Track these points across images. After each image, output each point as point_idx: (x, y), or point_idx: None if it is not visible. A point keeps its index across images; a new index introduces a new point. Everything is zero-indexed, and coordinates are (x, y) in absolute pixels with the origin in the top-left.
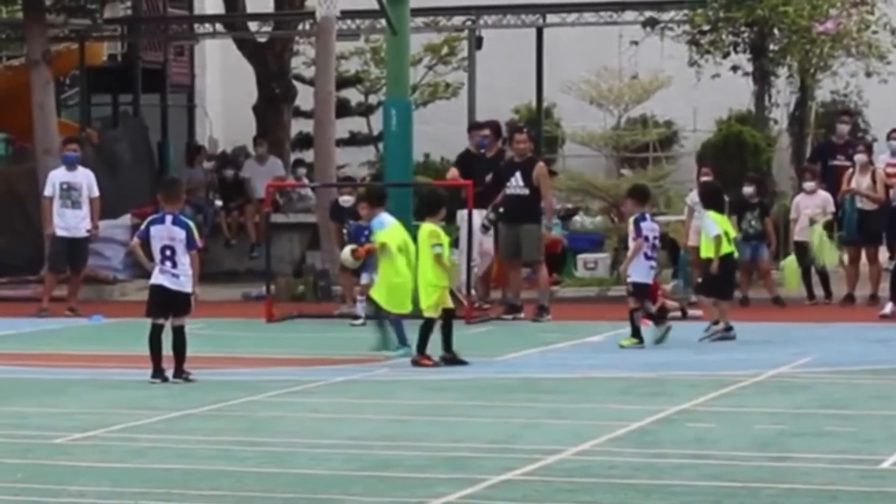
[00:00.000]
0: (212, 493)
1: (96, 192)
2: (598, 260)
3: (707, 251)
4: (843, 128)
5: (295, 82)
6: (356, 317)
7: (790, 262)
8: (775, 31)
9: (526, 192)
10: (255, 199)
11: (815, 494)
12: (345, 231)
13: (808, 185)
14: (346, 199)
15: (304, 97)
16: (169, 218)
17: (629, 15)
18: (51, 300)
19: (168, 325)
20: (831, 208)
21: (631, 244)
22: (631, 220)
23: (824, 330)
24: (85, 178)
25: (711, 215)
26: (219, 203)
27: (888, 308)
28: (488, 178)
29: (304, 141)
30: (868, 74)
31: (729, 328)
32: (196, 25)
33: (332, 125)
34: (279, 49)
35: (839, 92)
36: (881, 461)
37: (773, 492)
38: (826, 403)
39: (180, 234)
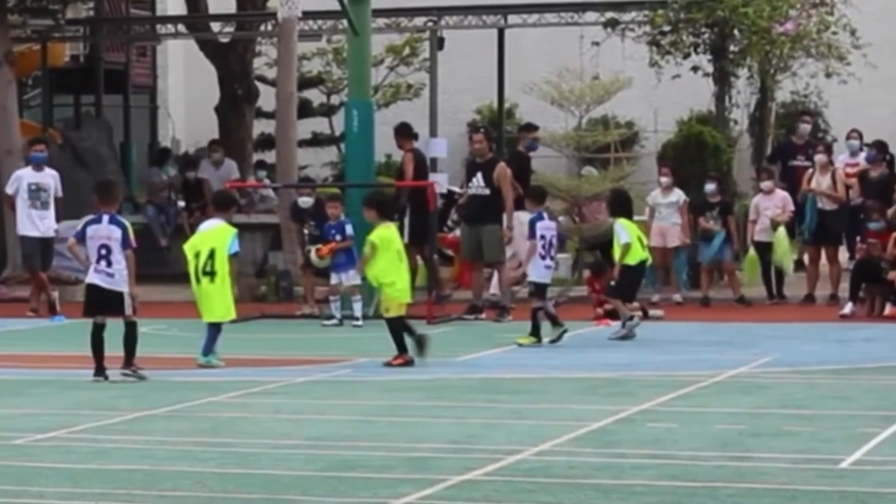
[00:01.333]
0: (173, 494)
1: (59, 193)
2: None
3: (618, 257)
4: (805, 127)
5: (257, 83)
6: (330, 316)
7: (752, 256)
8: (735, 32)
9: (487, 192)
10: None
11: (775, 494)
12: (305, 231)
13: (765, 184)
14: (306, 200)
15: (266, 98)
16: (106, 217)
17: (590, 16)
18: (13, 301)
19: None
20: (791, 208)
21: (527, 244)
22: (527, 220)
23: (784, 330)
24: (52, 179)
25: (622, 222)
26: (181, 204)
27: (848, 308)
28: None
29: (266, 142)
30: (828, 75)
31: (629, 332)
32: (158, 26)
33: (293, 126)
34: (241, 50)
35: (799, 93)
36: (840, 461)
37: (733, 491)
38: (786, 403)
39: (117, 233)
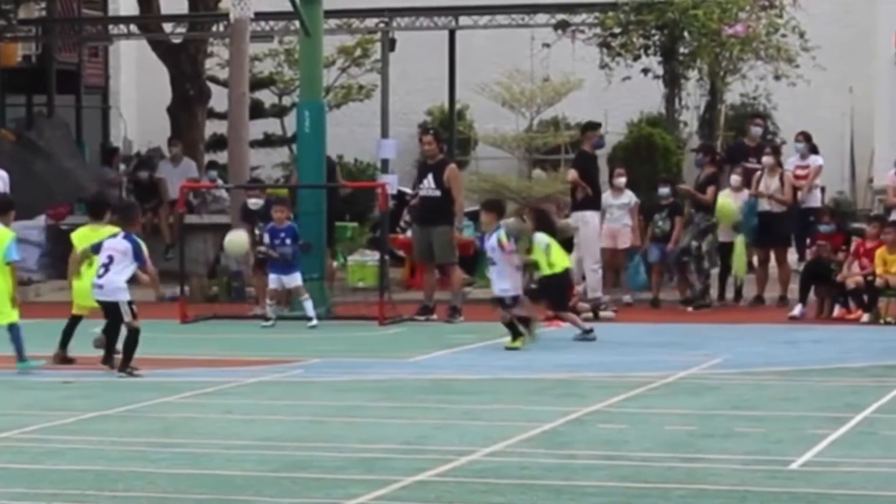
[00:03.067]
0: (125, 495)
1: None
2: None
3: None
4: (757, 130)
5: (209, 83)
6: (266, 318)
7: (738, 246)
8: (685, 34)
9: (437, 193)
10: (170, 201)
11: (725, 495)
12: (257, 232)
13: (735, 178)
14: (255, 202)
15: (219, 98)
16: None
17: (541, 17)
18: None
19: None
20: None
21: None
22: (593, 221)
23: (734, 331)
24: (1, 181)
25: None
26: None
27: (797, 310)
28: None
29: (218, 142)
30: (777, 77)
31: (588, 331)
32: (111, 26)
33: (245, 126)
34: (193, 50)
35: (748, 95)
36: (790, 462)
37: (684, 492)
38: (736, 404)
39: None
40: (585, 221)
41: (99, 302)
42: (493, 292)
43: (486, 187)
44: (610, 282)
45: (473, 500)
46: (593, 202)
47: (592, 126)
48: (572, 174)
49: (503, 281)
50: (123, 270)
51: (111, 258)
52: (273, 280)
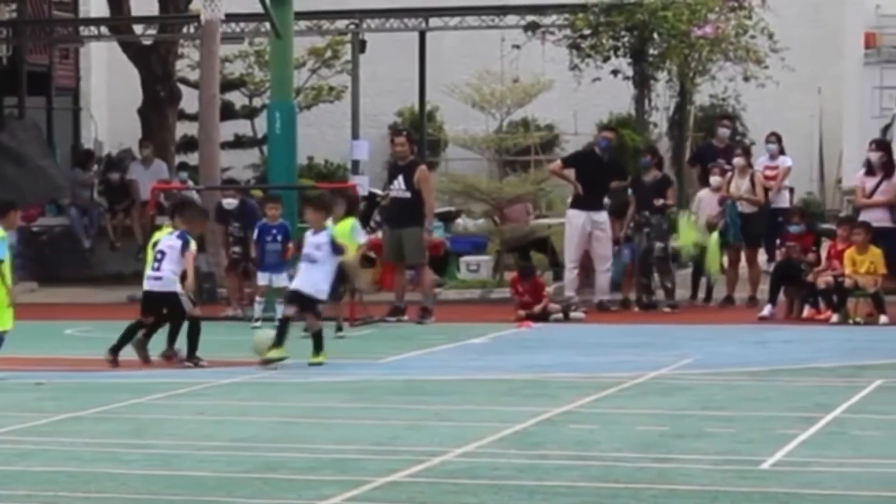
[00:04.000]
0: (98, 496)
1: None
2: (481, 262)
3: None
4: (724, 132)
5: (180, 85)
6: (255, 319)
7: (713, 242)
8: (655, 35)
9: (408, 195)
10: (141, 202)
11: (697, 495)
12: (230, 232)
13: (715, 180)
14: (230, 202)
15: (189, 100)
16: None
17: (511, 19)
18: None
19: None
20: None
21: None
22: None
23: (704, 332)
24: None
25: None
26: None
27: (767, 310)
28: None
29: (189, 143)
30: (746, 79)
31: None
32: (81, 28)
33: (216, 128)
34: (164, 52)
35: (718, 96)
36: (761, 462)
37: (655, 492)
38: (706, 405)
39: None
40: (569, 220)
41: (153, 295)
42: (300, 287)
43: (457, 188)
44: (581, 283)
45: (446, 501)
46: (583, 202)
47: (604, 127)
48: (555, 164)
49: (323, 282)
50: (176, 264)
51: (164, 253)
52: (262, 278)
